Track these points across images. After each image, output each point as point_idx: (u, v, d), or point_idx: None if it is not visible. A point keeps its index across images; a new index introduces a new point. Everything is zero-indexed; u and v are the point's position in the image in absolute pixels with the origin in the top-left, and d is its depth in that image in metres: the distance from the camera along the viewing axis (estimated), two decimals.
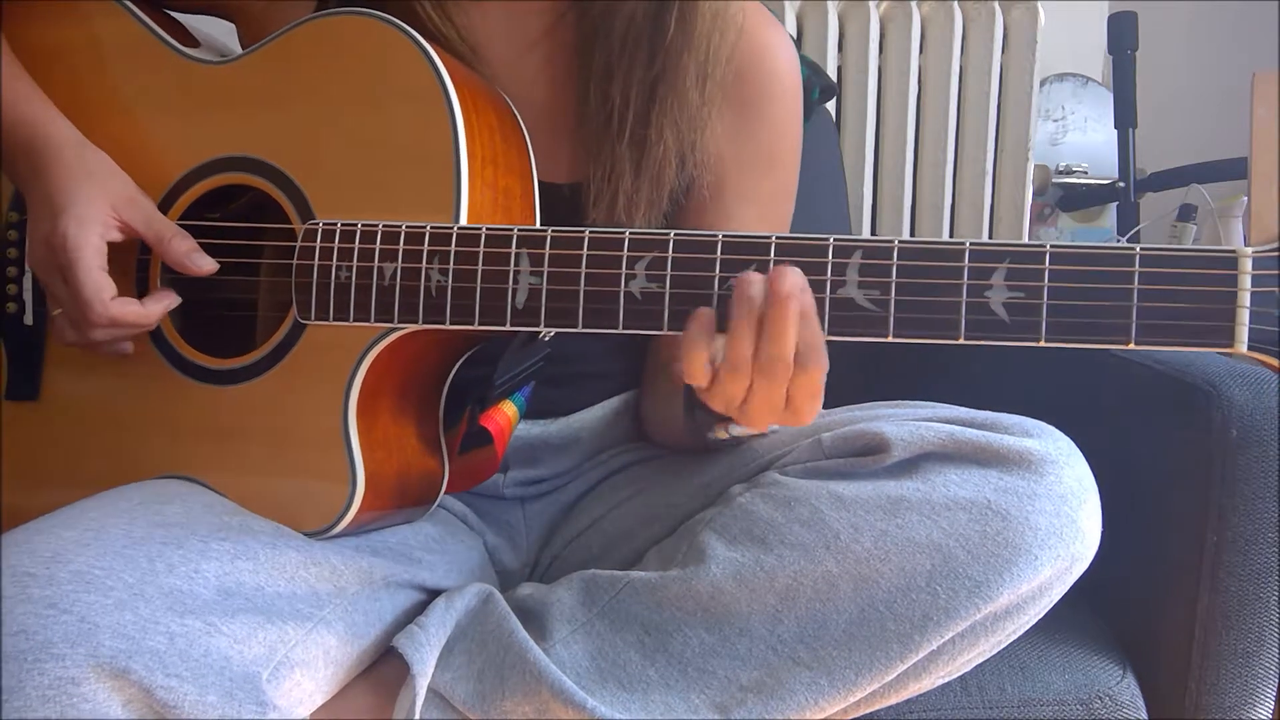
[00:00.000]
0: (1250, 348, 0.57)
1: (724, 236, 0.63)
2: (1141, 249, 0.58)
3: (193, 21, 0.86)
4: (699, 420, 0.73)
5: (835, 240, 0.62)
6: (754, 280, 0.60)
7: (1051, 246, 0.59)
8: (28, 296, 0.79)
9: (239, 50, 0.80)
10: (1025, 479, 0.66)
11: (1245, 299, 0.56)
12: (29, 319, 0.79)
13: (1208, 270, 0.57)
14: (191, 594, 0.59)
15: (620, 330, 0.64)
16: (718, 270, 0.63)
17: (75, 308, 0.70)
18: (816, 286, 0.61)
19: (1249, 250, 0.57)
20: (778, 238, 0.62)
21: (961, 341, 0.60)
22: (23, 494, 0.76)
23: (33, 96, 0.76)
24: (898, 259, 0.60)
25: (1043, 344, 0.59)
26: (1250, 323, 0.56)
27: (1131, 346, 0.58)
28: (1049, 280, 0.59)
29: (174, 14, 0.85)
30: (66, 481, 0.74)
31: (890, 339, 0.61)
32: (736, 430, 0.73)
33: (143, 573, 0.58)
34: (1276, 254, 0.57)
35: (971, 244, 0.60)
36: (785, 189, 0.88)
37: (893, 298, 0.61)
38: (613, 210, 0.78)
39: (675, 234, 0.64)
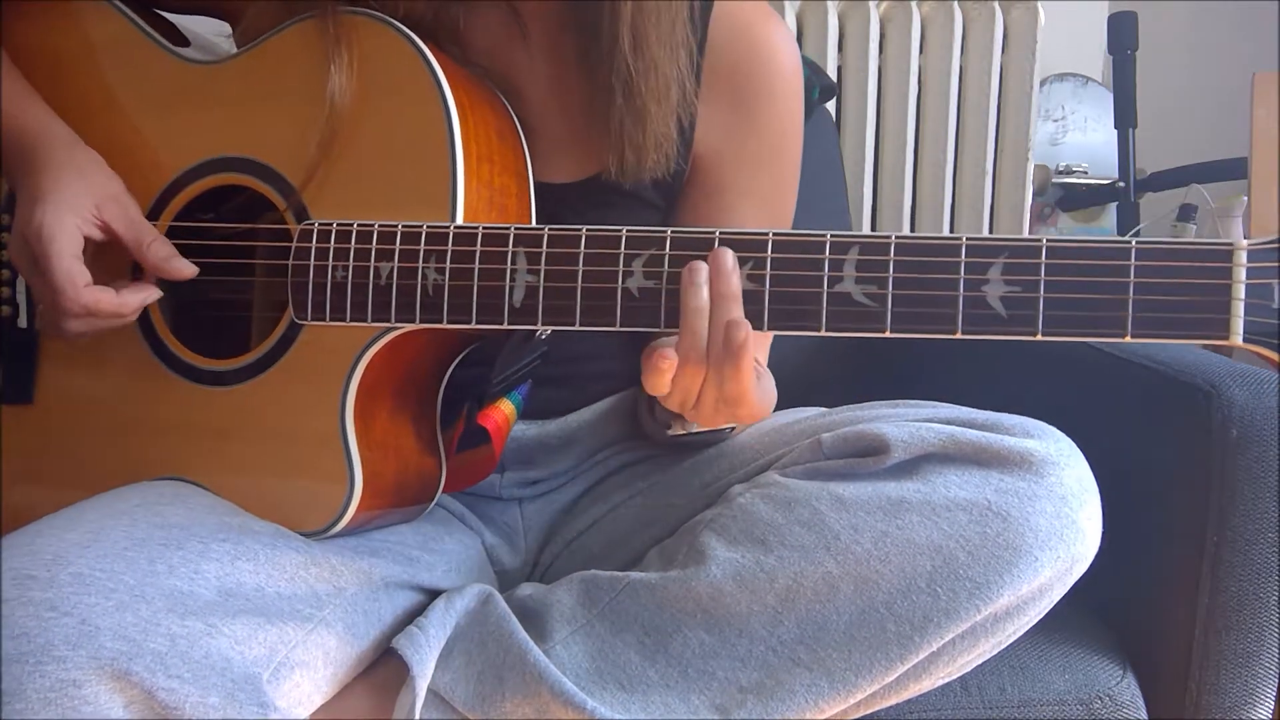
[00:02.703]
0: (1246, 339, 0.56)
1: (720, 233, 0.63)
2: (1137, 243, 0.58)
3: (184, 21, 0.85)
4: (659, 417, 0.74)
5: (833, 236, 0.62)
6: (700, 268, 0.62)
7: (1048, 241, 0.59)
8: (21, 299, 0.79)
9: (232, 49, 0.80)
10: (1026, 480, 0.66)
11: (1240, 291, 0.56)
12: (23, 321, 0.79)
13: (1203, 263, 0.57)
14: (192, 595, 0.59)
15: (617, 328, 0.64)
16: None
17: (49, 297, 0.69)
18: (814, 282, 0.61)
19: (1245, 243, 0.56)
20: (774, 233, 0.62)
21: (959, 336, 0.60)
22: (18, 497, 0.76)
23: (28, 99, 0.76)
24: (895, 254, 0.60)
25: (1039, 338, 0.59)
26: (1245, 315, 0.56)
27: (1128, 339, 0.58)
28: (1045, 274, 0.58)
29: (166, 14, 0.85)
30: (62, 484, 0.74)
31: (888, 334, 0.61)
32: (693, 427, 0.73)
33: (143, 574, 0.58)
34: (1273, 246, 0.56)
35: (968, 239, 0.60)
36: (786, 184, 0.88)
37: (890, 293, 0.61)
38: (623, 161, 0.77)
39: (672, 232, 0.64)
